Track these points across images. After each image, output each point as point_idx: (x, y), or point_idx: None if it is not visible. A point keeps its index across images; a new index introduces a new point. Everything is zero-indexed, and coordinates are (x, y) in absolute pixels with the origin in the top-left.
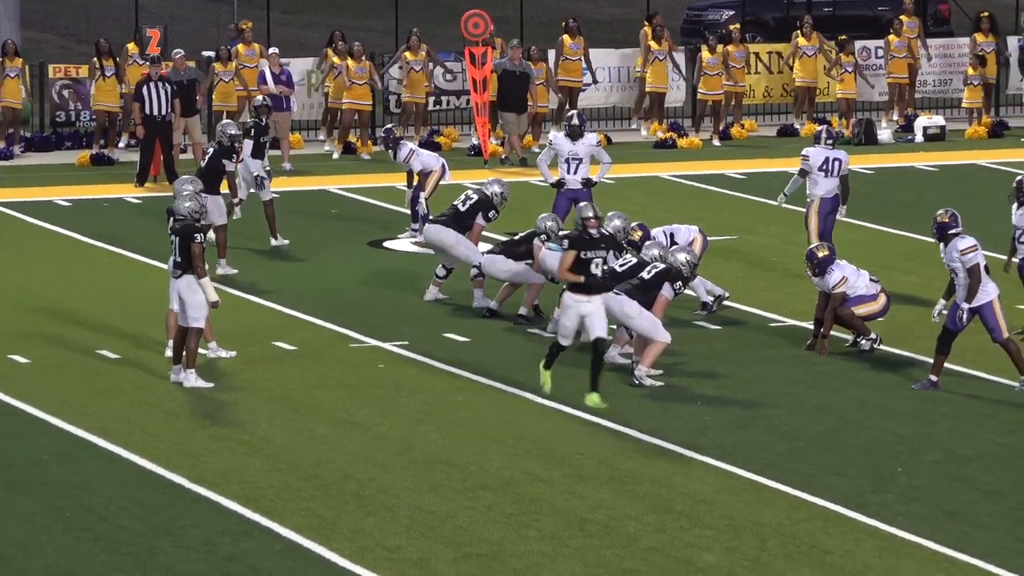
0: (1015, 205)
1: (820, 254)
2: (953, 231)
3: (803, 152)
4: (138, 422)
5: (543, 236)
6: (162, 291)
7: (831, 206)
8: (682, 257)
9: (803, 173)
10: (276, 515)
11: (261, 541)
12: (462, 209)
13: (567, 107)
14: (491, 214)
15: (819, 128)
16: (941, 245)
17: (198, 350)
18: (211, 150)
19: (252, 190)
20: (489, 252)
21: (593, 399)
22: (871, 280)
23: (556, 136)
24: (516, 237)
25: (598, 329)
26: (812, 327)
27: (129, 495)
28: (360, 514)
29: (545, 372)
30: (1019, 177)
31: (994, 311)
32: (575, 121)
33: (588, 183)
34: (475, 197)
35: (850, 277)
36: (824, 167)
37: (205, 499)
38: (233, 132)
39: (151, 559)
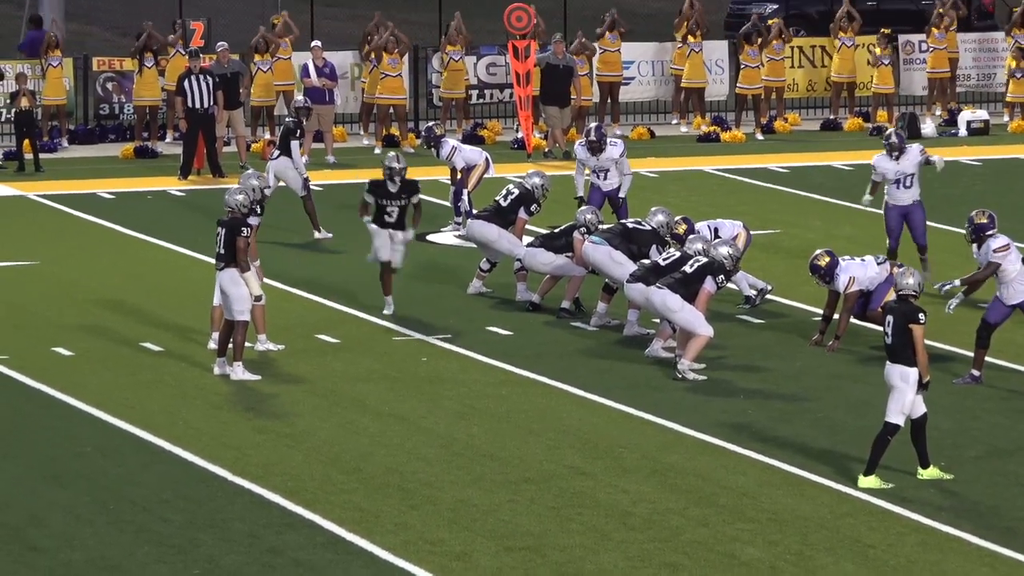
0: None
1: (822, 263)
2: (990, 232)
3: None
4: (181, 415)
5: (583, 229)
6: (205, 284)
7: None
8: (724, 251)
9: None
10: (319, 508)
11: (303, 534)
12: (503, 204)
13: (608, 101)
14: (533, 208)
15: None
16: (974, 246)
17: (246, 343)
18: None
19: (295, 188)
20: (529, 245)
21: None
22: (878, 263)
23: (580, 150)
24: (556, 230)
25: None
26: (822, 323)
27: (172, 488)
28: (403, 507)
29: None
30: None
31: None
32: (592, 137)
33: (614, 198)
34: (516, 191)
35: (858, 275)
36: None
37: (248, 492)
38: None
39: (194, 551)
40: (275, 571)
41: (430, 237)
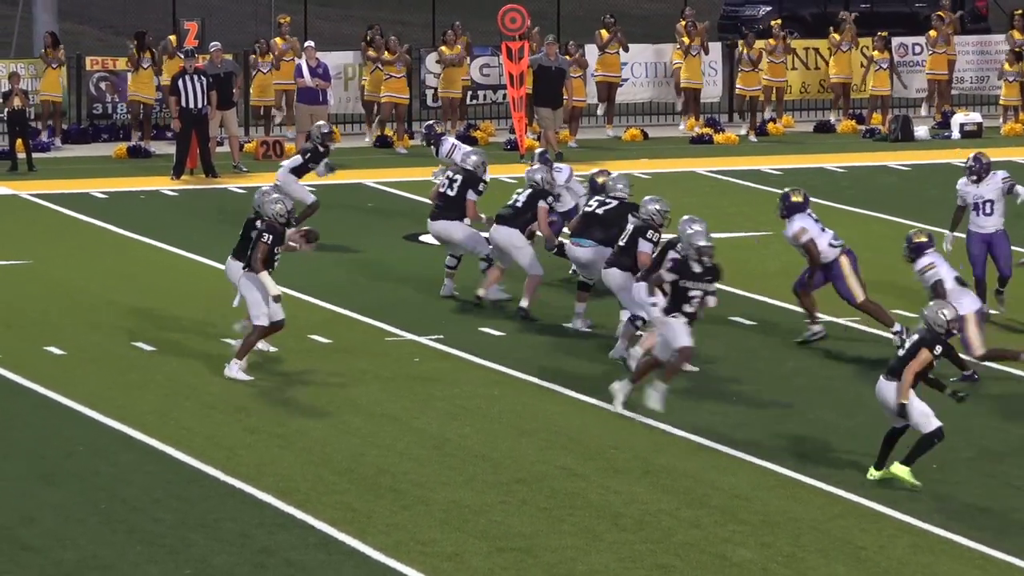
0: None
1: (794, 198)
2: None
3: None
4: (172, 415)
5: (546, 197)
6: (198, 283)
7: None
8: (653, 207)
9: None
10: (310, 508)
11: (295, 534)
12: (520, 204)
13: (606, 102)
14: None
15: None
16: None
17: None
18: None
19: (301, 197)
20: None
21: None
22: (831, 245)
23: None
24: (518, 204)
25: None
26: (807, 313)
27: (164, 487)
28: (394, 508)
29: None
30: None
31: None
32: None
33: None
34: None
35: (810, 227)
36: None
37: (240, 492)
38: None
39: (186, 551)
40: (267, 571)
41: (423, 238)
